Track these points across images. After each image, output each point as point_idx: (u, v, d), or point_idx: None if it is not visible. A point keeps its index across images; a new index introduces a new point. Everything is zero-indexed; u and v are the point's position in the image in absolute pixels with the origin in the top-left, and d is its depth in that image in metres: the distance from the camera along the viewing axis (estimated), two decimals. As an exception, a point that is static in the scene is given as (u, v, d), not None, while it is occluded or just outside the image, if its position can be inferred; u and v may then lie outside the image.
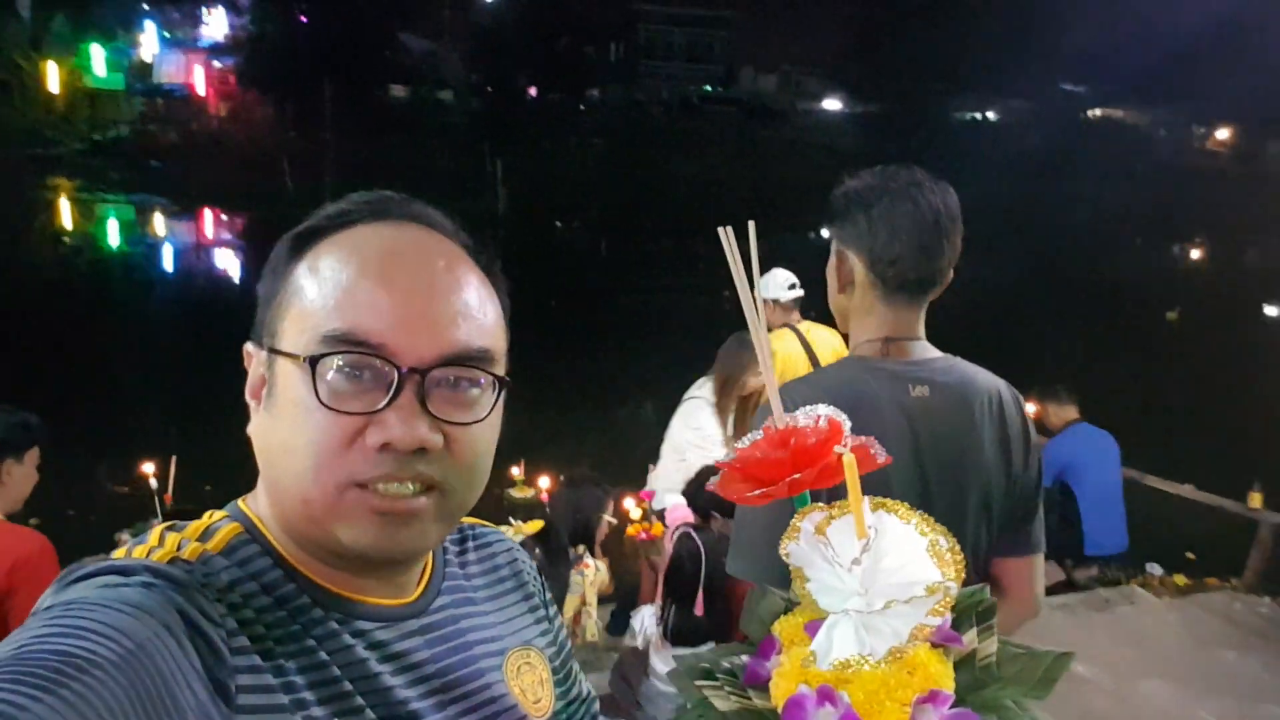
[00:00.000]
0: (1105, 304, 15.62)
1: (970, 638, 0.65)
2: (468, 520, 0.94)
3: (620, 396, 9.01)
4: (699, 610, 3.22)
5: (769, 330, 4.69)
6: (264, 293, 0.76)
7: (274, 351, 0.72)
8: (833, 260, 1.59)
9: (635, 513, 4.40)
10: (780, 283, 4.16)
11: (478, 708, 0.79)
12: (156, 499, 3.83)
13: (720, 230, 0.71)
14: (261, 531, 0.75)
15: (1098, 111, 50.06)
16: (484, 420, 0.74)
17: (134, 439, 6.19)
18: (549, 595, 0.98)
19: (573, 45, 36.60)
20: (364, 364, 0.69)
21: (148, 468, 3.91)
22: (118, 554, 0.71)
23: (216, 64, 36.51)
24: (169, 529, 0.74)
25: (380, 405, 0.68)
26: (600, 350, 11.52)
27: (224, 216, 25.40)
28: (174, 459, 3.95)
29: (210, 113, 35.42)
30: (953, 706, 0.61)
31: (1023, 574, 1.56)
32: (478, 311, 0.74)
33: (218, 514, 0.77)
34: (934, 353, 1.56)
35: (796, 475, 0.66)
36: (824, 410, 0.68)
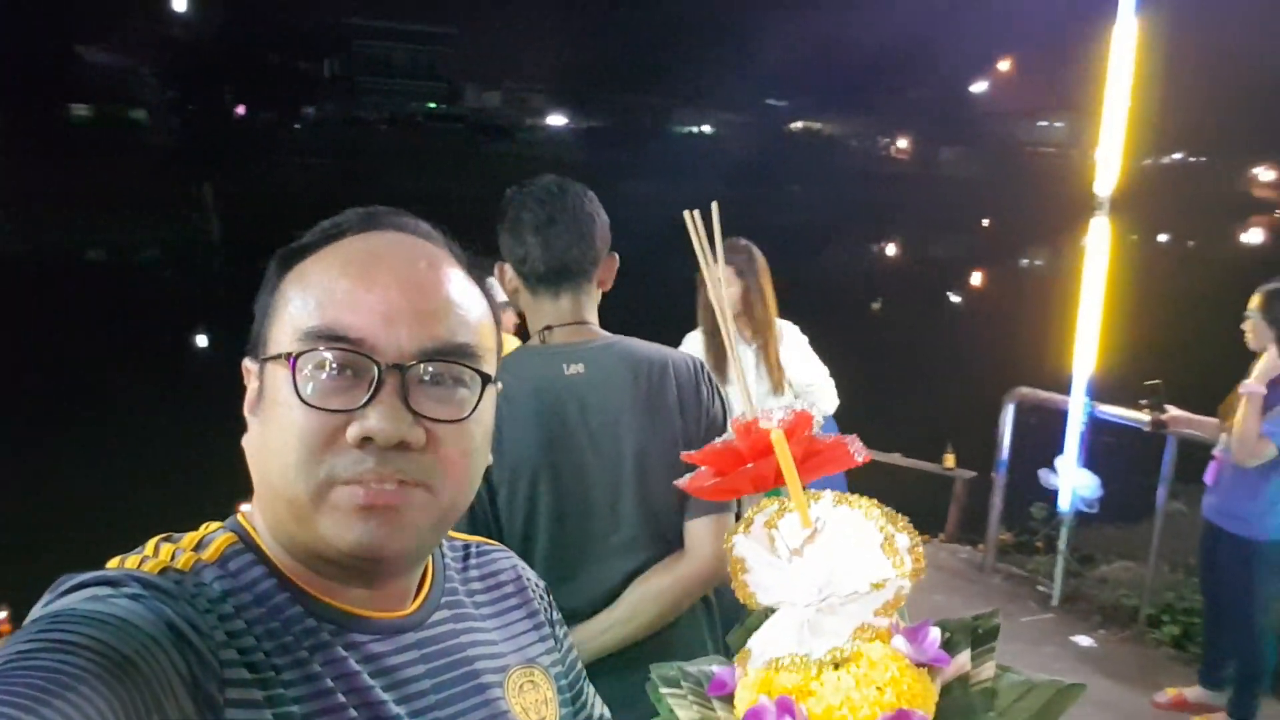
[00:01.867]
0: (818, 298, 17.06)
1: (962, 660, 0.62)
2: (473, 539, 0.94)
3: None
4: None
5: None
6: (258, 308, 0.76)
7: (263, 360, 0.72)
8: (496, 272, 1.73)
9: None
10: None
11: None
12: None
13: (686, 214, 0.72)
14: (256, 542, 0.74)
15: (799, 124, 54.73)
16: (469, 418, 0.72)
17: None
18: (556, 614, 0.96)
19: (283, 61, 34.59)
20: (344, 360, 0.69)
21: None
22: (110, 564, 0.69)
23: None
24: (164, 539, 0.73)
25: (361, 402, 0.68)
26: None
27: None
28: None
29: None
30: None
31: (699, 534, 1.62)
32: (461, 307, 0.74)
33: (213, 525, 0.77)
34: (599, 336, 1.68)
35: (750, 465, 0.63)
36: (801, 404, 0.64)
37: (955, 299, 21.78)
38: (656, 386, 1.63)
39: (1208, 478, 3.45)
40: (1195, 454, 3.89)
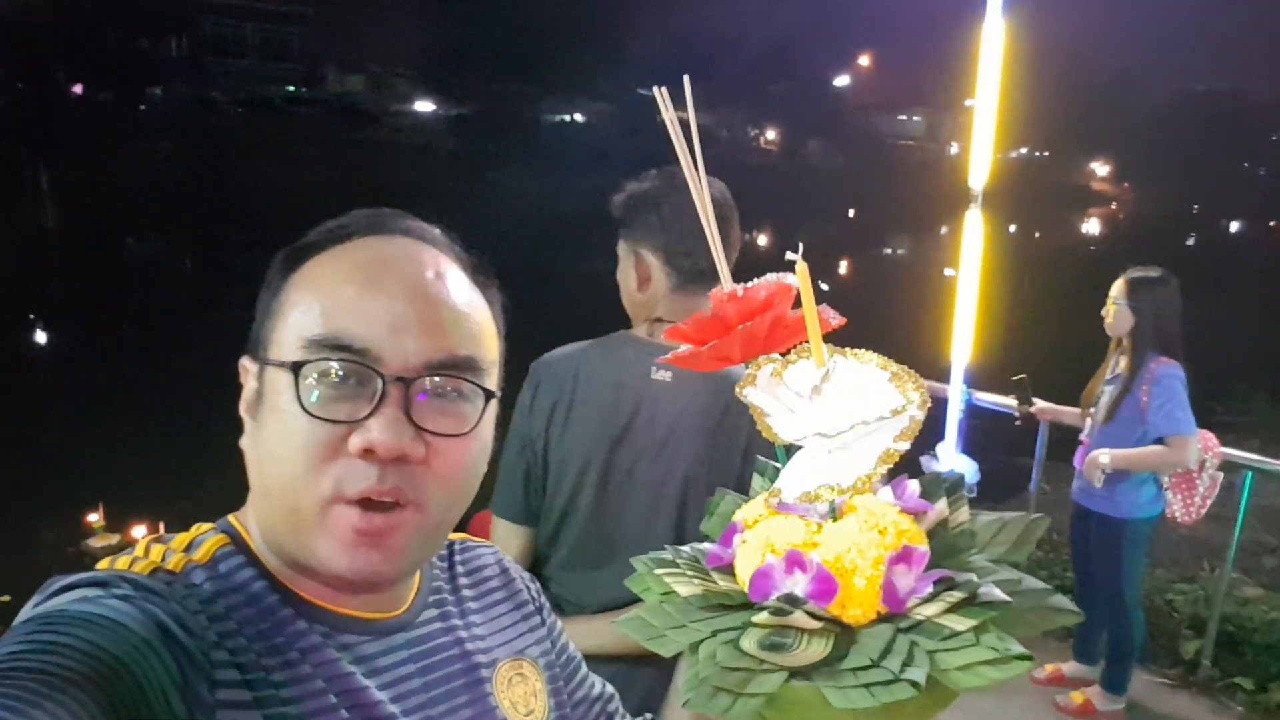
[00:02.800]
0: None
1: (941, 507, 0.66)
2: (456, 536, 0.93)
3: (223, 428, 8.09)
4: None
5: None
6: (259, 307, 0.75)
7: (264, 362, 0.71)
8: (628, 261, 1.66)
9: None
10: None
11: None
12: None
13: (655, 90, 0.71)
14: (248, 544, 0.74)
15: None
16: (470, 434, 0.72)
17: None
18: (544, 600, 0.97)
19: (124, 37, 32.30)
20: (348, 370, 0.68)
21: None
22: (100, 565, 0.69)
23: None
24: (154, 540, 0.73)
25: (364, 414, 0.68)
26: (194, 376, 10.30)
27: None
28: None
29: None
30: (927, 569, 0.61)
31: None
32: (467, 320, 0.74)
33: (205, 526, 0.76)
34: None
35: (748, 324, 0.65)
36: (774, 275, 0.68)
37: (824, 287, 22.35)
38: (732, 421, 1.54)
39: (1076, 461, 3.56)
40: (1061, 435, 4.04)
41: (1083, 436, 3.57)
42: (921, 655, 0.56)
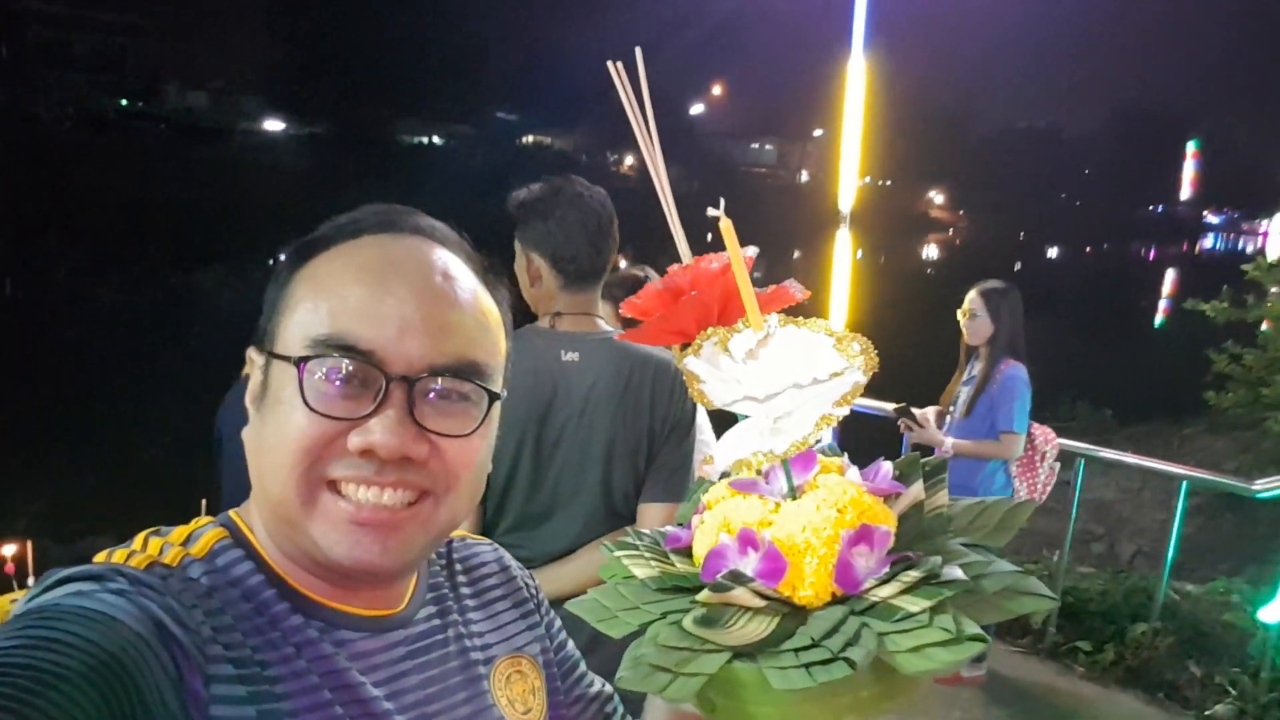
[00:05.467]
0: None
1: (916, 490, 0.64)
2: (455, 533, 0.92)
3: (59, 451, 7.52)
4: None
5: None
6: (268, 299, 0.75)
7: (271, 355, 0.71)
8: (521, 260, 1.88)
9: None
10: None
11: None
12: None
13: (610, 64, 0.69)
14: (247, 538, 0.74)
15: (530, 138, 55.34)
16: (474, 434, 0.72)
17: None
18: (542, 596, 0.97)
19: (-67, 43, 29.73)
20: (352, 369, 0.68)
21: None
22: (97, 558, 0.68)
23: None
24: (152, 534, 0.72)
25: (365, 412, 0.68)
26: (20, 404, 9.52)
27: None
28: None
29: None
30: (896, 552, 0.58)
31: (650, 516, 1.84)
32: (473, 322, 0.74)
33: (204, 520, 0.76)
34: (599, 330, 1.88)
35: (696, 292, 0.64)
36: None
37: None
38: (636, 384, 1.81)
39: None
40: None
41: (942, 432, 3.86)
42: (870, 636, 0.53)
